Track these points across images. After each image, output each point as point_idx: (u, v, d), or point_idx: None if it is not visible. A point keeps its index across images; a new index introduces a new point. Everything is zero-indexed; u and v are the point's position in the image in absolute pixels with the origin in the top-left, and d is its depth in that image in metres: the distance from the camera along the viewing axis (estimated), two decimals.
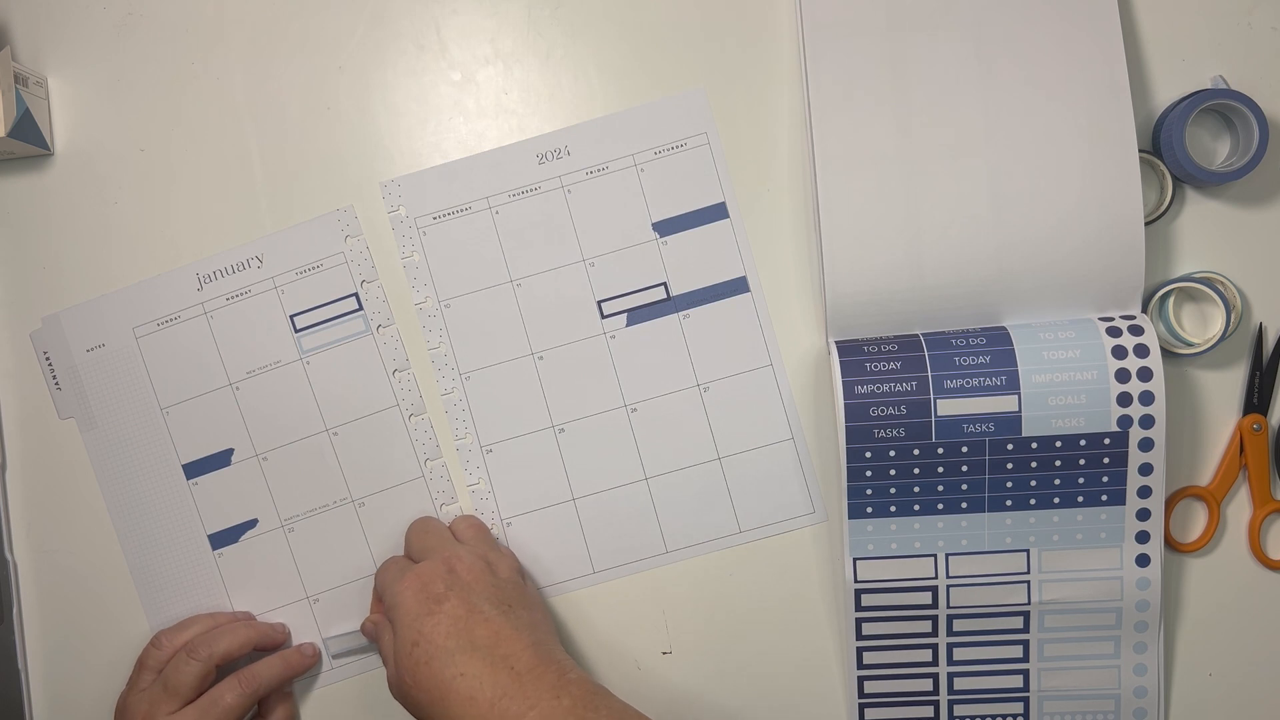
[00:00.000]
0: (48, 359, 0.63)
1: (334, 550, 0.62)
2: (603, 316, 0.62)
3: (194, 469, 0.63)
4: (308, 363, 0.62)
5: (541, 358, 0.62)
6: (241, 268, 0.62)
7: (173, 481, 0.63)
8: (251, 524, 0.63)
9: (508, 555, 0.60)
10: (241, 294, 0.62)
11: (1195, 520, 0.61)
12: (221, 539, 0.63)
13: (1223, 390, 0.61)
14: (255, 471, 0.62)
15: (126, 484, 0.63)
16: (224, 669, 0.59)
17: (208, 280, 0.62)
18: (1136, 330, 0.56)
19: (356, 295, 0.62)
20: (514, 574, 0.58)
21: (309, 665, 0.62)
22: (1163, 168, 0.59)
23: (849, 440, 0.57)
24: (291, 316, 0.62)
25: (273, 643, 0.61)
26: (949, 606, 0.59)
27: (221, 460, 0.62)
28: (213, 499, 0.62)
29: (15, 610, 0.63)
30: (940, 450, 0.57)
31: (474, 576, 0.55)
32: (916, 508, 0.58)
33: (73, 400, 0.63)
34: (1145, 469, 0.57)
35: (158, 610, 0.63)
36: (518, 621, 0.54)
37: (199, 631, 0.60)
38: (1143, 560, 0.58)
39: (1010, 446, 0.57)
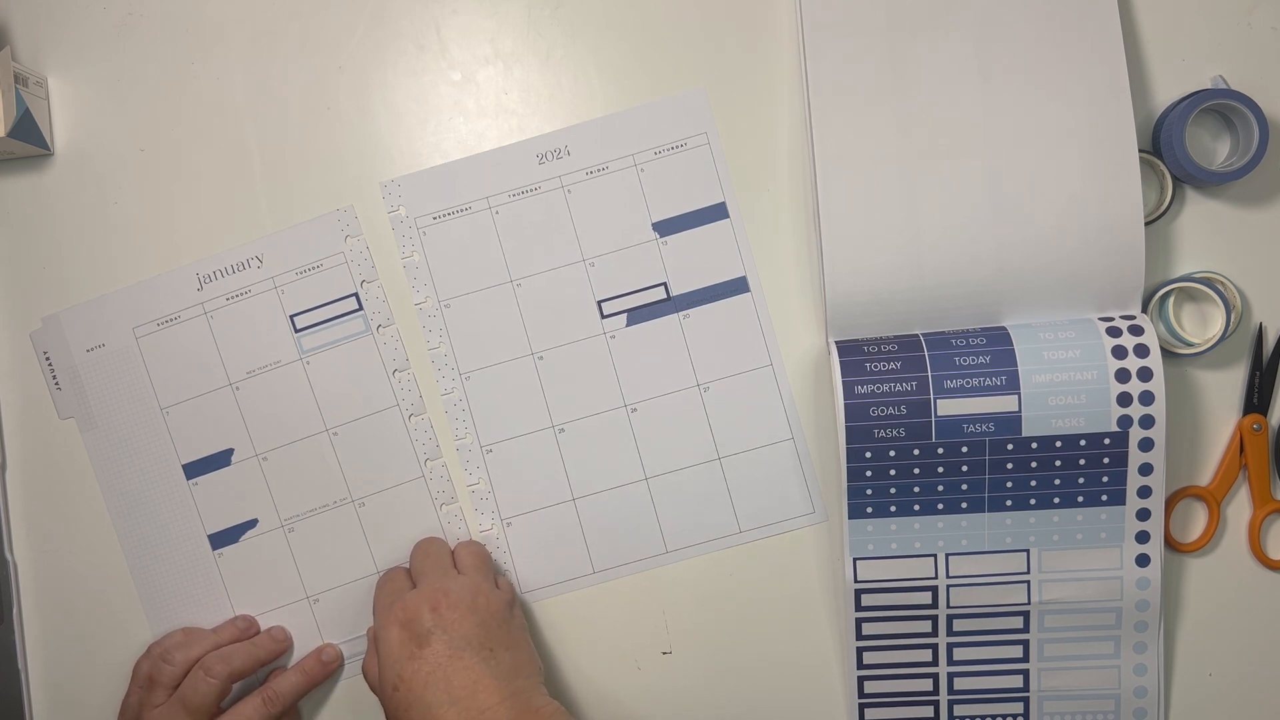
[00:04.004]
0: (48, 359, 0.63)
1: (334, 550, 0.62)
2: (603, 316, 0.62)
3: (194, 469, 0.63)
4: (308, 363, 0.62)
5: (541, 358, 0.62)
6: (241, 268, 0.62)
7: (173, 481, 0.63)
8: (252, 524, 0.63)
9: (503, 589, 0.59)
10: (241, 294, 0.62)
11: (1195, 520, 0.61)
12: (222, 539, 0.63)
13: (1223, 390, 0.61)
14: (255, 471, 0.62)
15: (126, 484, 0.63)
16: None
17: (208, 280, 0.62)
18: (1136, 330, 0.56)
19: (356, 295, 0.62)
20: (503, 609, 0.57)
21: (329, 673, 0.62)
22: (1163, 168, 0.59)
23: (849, 440, 0.57)
24: (291, 316, 0.62)
25: (275, 655, 0.62)
26: (949, 606, 0.59)
27: (221, 460, 0.62)
28: (213, 499, 0.63)
29: (15, 610, 0.63)
30: (940, 450, 0.57)
31: (459, 615, 0.55)
32: (916, 508, 0.58)
33: (73, 400, 0.63)
34: (1145, 469, 0.57)
35: (158, 611, 0.63)
36: (498, 668, 0.54)
37: (208, 647, 0.60)
38: (1143, 560, 0.58)
39: (1010, 446, 0.57)
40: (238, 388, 0.62)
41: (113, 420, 0.63)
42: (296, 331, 0.62)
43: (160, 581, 0.63)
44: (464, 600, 0.56)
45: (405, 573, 0.61)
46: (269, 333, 0.62)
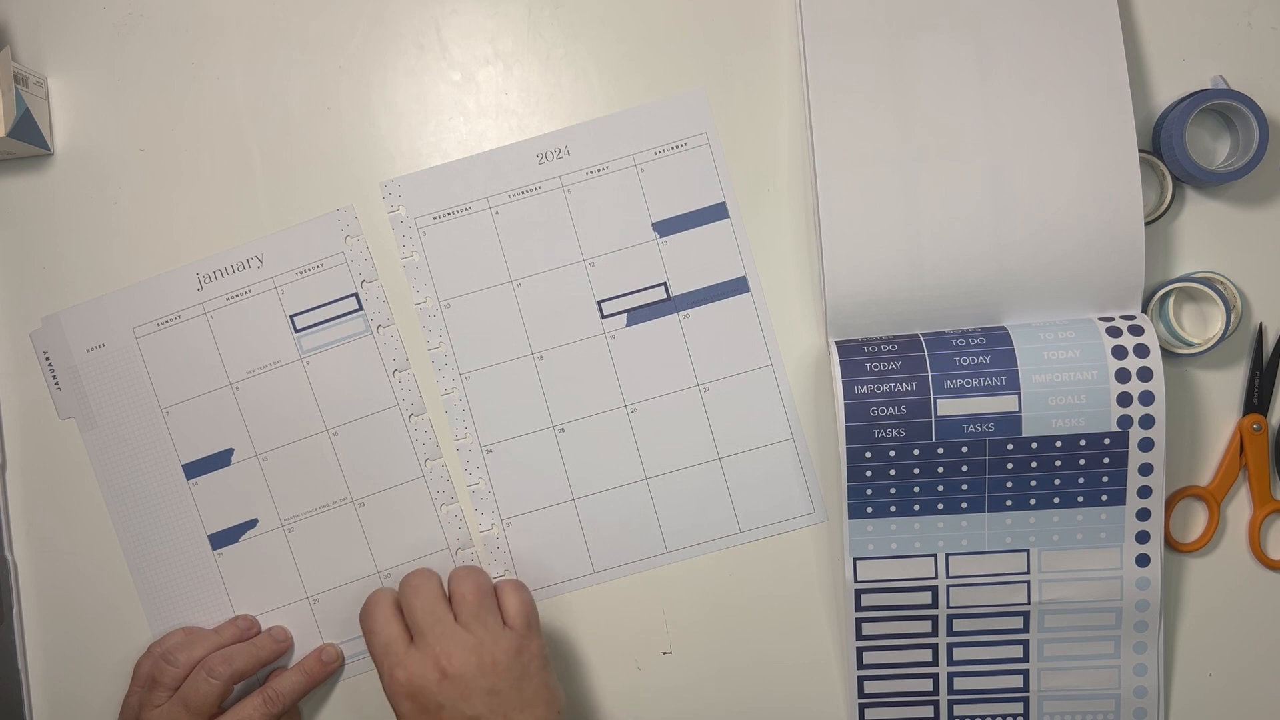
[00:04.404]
0: (48, 359, 0.63)
1: (334, 550, 0.62)
2: (603, 316, 0.62)
3: (194, 469, 0.63)
4: (308, 363, 0.62)
5: (541, 358, 0.62)
6: (241, 268, 0.62)
7: (173, 481, 0.63)
8: (251, 524, 0.63)
9: (513, 621, 0.57)
10: (241, 294, 0.62)
11: (1195, 520, 0.61)
12: (222, 539, 0.63)
13: (1223, 390, 0.61)
14: (255, 471, 0.62)
15: (126, 484, 0.63)
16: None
17: (208, 280, 0.62)
18: (1136, 330, 0.56)
19: (356, 295, 0.62)
20: (511, 658, 0.55)
21: (330, 673, 0.62)
22: (1163, 168, 0.59)
23: (849, 440, 0.57)
24: (291, 316, 0.62)
25: (276, 655, 0.62)
26: (949, 606, 0.59)
27: (221, 460, 0.62)
28: (213, 499, 0.63)
29: (15, 610, 0.63)
30: (940, 450, 0.57)
31: (466, 684, 0.54)
32: (916, 508, 0.58)
33: (73, 400, 0.63)
34: (1145, 469, 0.57)
35: (158, 610, 0.63)
36: None
37: (209, 647, 0.60)
38: (1143, 560, 0.58)
39: (1010, 446, 0.57)
40: (238, 388, 0.62)
41: (113, 420, 0.63)
42: (296, 331, 0.62)
43: (160, 581, 0.63)
44: (469, 665, 0.54)
45: (393, 605, 0.58)
46: (269, 333, 0.62)
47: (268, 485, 0.62)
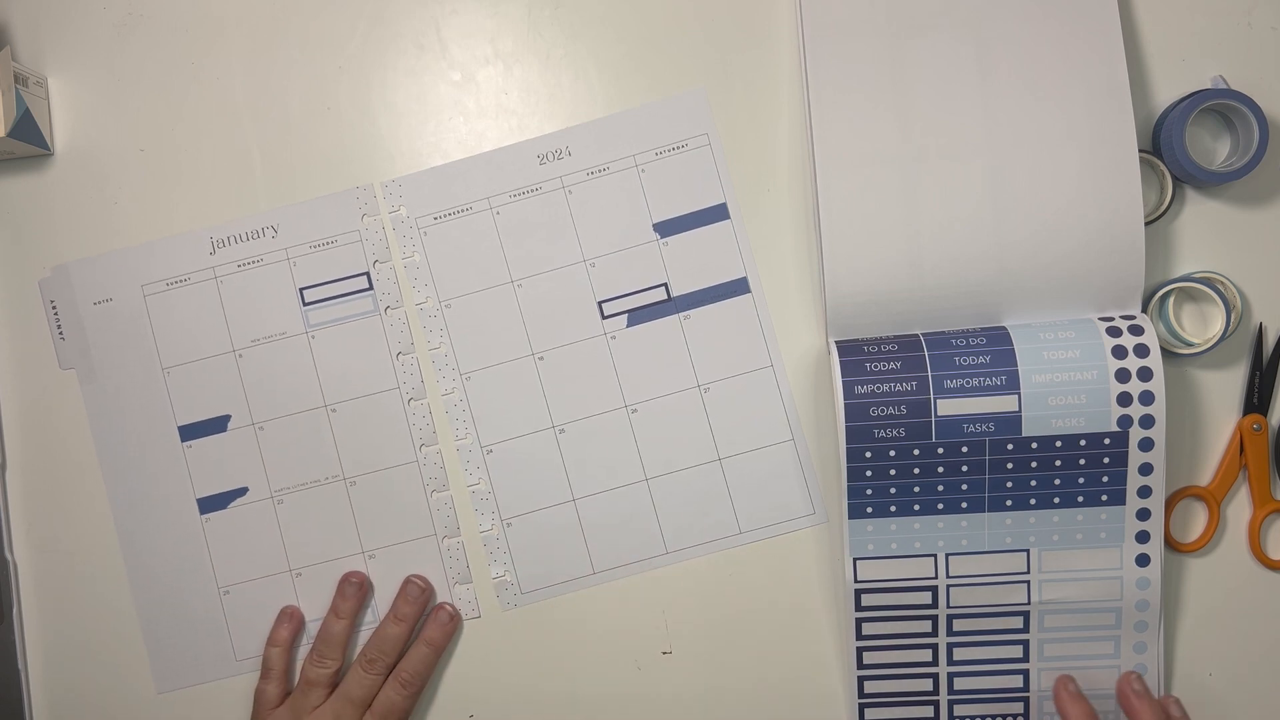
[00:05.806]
0: (54, 308, 0.63)
1: (321, 526, 0.62)
2: (603, 317, 0.62)
3: (190, 431, 0.62)
4: (313, 337, 0.62)
5: (542, 358, 0.62)
6: (256, 236, 0.62)
7: (167, 442, 0.62)
8: (241, 492, 0.62)
9: None
10: (253, 262, 0.62)
11: (1195, 520, 0.61)
12: (210, 504, 0.63)
13: (1223, 390, 0.61)
14: (250, 440, 0.62)
15: (121, 441, 0.63)
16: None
17: (221, 245, 0.62)
18: (1136, 330, 0.56)
19: (368, 275, 0.62)
20: None
21: (451, 633, 0.62)
22: (1163, 168, 0.59)
23: (849, 440, 0.57)
24: (301, 289, 0.62)
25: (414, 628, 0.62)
26: (949, 606, 0.59)
27: (218, 425, 0.62)
28: (205, 463, 0.62)
29: (15, 610, 0.63)
30: (940, 450, 0.57)
31: None
32: (916, 508, 0.58)
33: (75, 352, 0.63)
34: (1145, 469, 0.57)
35: (140, 570, 0.62)
36: None
37: (345, 632, 0.61)
38: (1143, 560, 0.58)
39: (1010, 446, 0.57)
40: (241, 355, 0.62)
41: (113, 375, 0.63)
42: (305, 305, 0.62)
43: (145, 541, 0.62)
44: None
45: None
46: (277, 303, 0.62)
47: (261, 455, 0.62)
